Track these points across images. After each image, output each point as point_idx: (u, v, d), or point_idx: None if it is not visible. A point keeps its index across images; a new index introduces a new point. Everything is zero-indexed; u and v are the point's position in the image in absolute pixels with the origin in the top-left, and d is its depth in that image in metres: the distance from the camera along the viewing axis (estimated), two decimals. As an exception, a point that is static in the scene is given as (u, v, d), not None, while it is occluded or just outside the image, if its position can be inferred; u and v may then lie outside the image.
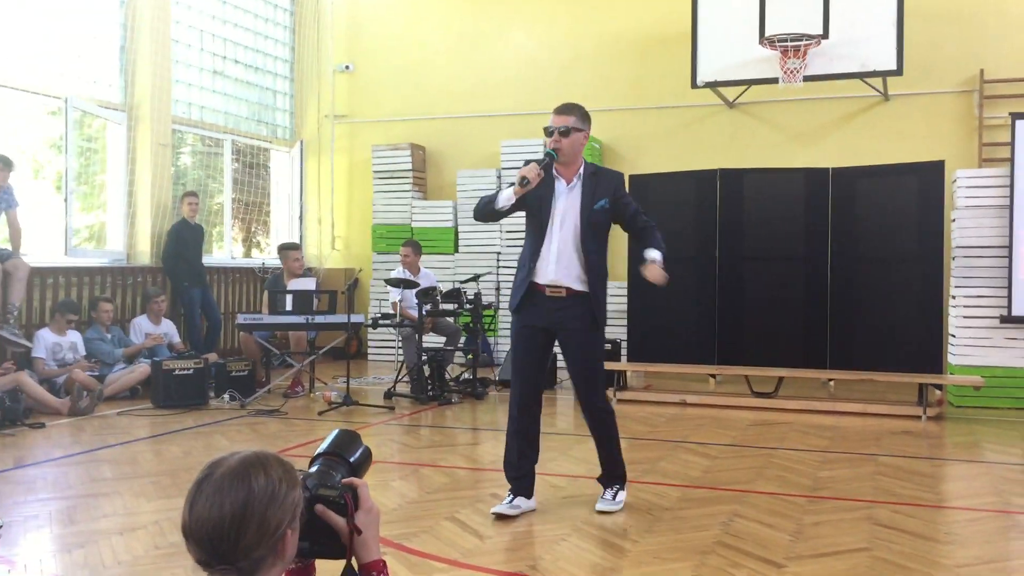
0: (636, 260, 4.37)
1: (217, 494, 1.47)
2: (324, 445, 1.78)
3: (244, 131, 11.46)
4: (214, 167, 11.32)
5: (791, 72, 8.79)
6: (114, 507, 4.39)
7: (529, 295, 4.28)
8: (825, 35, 8.79)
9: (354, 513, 1.66)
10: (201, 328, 9.38)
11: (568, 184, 4.29)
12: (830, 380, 8.36)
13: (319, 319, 7.74)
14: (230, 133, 11.20)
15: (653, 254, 4.21)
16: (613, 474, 4.45)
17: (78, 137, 8.94)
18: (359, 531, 1.65)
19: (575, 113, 4.24)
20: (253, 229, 12.12)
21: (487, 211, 4.28)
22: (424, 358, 7.95)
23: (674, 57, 10.13)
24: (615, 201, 4.30)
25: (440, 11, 11.86)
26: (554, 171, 4.25)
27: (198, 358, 7.75)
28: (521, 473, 4.34)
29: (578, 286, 4.22)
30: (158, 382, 7.44)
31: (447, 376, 8.16)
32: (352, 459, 1.77)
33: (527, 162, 4.17)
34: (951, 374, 7.88)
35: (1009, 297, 7.71)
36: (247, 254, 11.92)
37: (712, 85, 9.51)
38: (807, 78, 8.86)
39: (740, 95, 10.16)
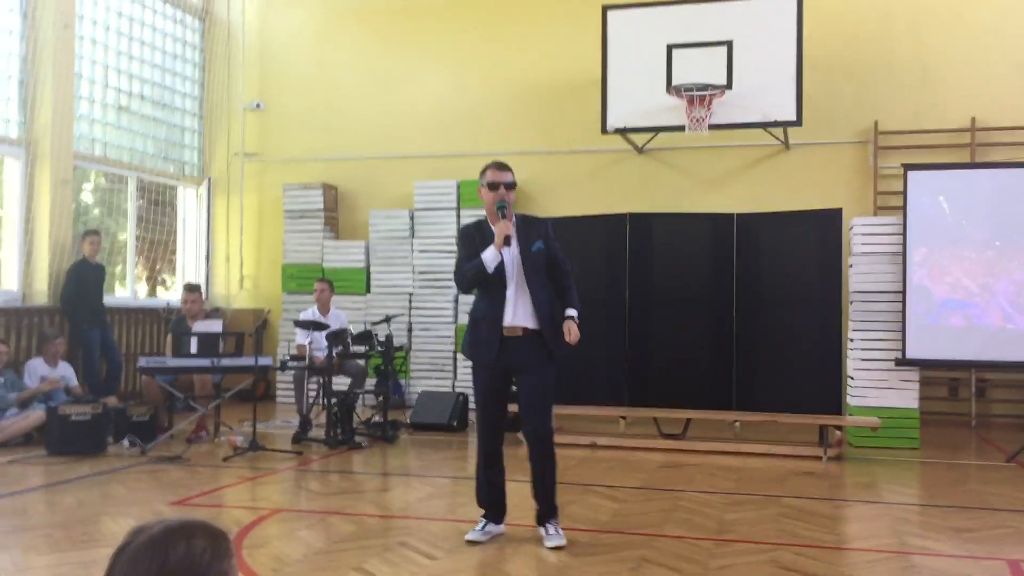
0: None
1: (132, 564, 1.40)
2: None
3: (150, 168, 11.22)
4: (117, 204, 11.03)
5: (697, 120, 9.05)
6: (2, 563, 4.18)
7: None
8: (729, 86, 9.10)
9: None
10: (101, 371, 9.07)
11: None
12: (736, 422, 8.53)
13: (225, 362, 7.56)
14: (135, 170, 10.95)
15: (572, 312, 4.62)
16: (551, 508, 4.64)
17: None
18: None
19: (511, 170, 4.68)
20: (158, 268, 11.82)
21: (478, 279, 4.57)
22: (333, 401, 7.84)
23: (584, 103, 10.34)
24: (549, 246, 4.67)
25: (352, 51, 11.87)
26: (491, 226, 4.60)
27: (96, 403, 7.48)
28: (494, 500, 4.70)
29: (531, 324, 4.57)
30: (53, 428, 7.15)
31: (356, 419, 8.05)
32: None
33: (463, 230, 4.69)
34: (850, 415, 8.13)
35: (903, 340, 8.02)
36: (151, 293, 11.62)
37: (621, 131, 9.72)
38: (712, 126, 9.14)
39: (648, 141, 10.41)
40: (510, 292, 4.56)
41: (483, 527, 4.64)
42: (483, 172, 4.68)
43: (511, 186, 4.62)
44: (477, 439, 4.74)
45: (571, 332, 4.57)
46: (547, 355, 4.60)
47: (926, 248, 8.06)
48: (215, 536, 1.47)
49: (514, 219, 4.64)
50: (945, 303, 8.02)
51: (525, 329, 4.56)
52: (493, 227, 4.59)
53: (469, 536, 4.59)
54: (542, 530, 4.60)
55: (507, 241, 4.50)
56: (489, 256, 4.52)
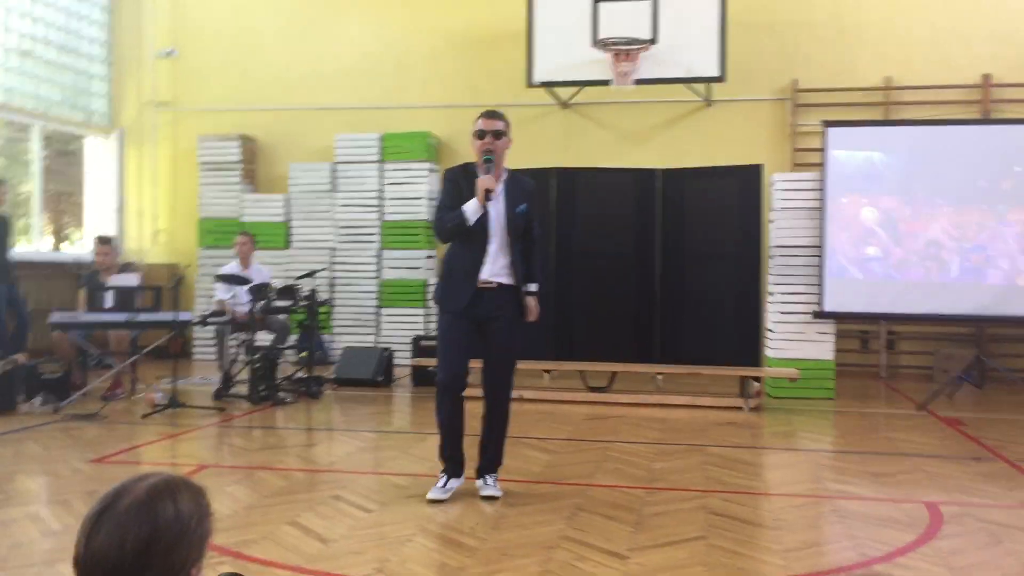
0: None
1: (118, 529, 1.32)
2: None
3: (55, 116, 10.73)
4: (19, 154, 10.53)
5: (622, 75, 9.06)
6: (-88, 525, 3.99)
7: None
8: (654, 40, 9.11)
9: None
10: (7, 327, 8.69)
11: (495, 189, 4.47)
12: (659, 374, 8.66)
13: (143, 317, 7.32)
14: (39, 118, 10.46)
15: (534, 287, 4.63)
16: (495, 462, 4.65)
17: None
18: None
19: (503, 118, 4.53)
20: (64, 221, 11.36)
21: (459, 230, 4.41)
22: (255, 356, 7.68)
23: (509, 56, 10.24)
24: (530, 209, 4.58)
25: (270, -2, 11.50)
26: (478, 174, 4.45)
27: (5, 359, 7.18)
28: (456, 454, 4.58)
29: (506, 280, 4.52)
30: (-41, 386, 6.84)
31: (278, 375, 7.92)
32: None
33: (449, 174, 4.53)
34: (769, 367, 8.33)
35: (820, 294, 8.23)
36: (56, 247, 11.17)
37: (547, 85, 9.66)
38: (637, 81, 9.15)
39: (573, 96, 10.38)
40: (492, 247, 4.45)
41: (444, 483, 4.51)
42: (476, 120, 4.51)
43: (499, 135, 4.44)
44: (439, 391, 4.53)
45: (532, 311, 4.58)
46: (518, 311, 4.55)
47: (843, 203, 8.26)
48: (197, 494, 1.43)
49: (504, 174, 4.51)
50: (861, 257, 8.25)
51: (500, 284, 4.49)
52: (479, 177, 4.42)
53: (431, 495, 4.44)
54: (480, 481, 4.59)
55: (489, 195, 4.34)
56: (471, 210, 4.36)
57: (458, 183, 4.49)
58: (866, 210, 8.24)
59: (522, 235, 4.60)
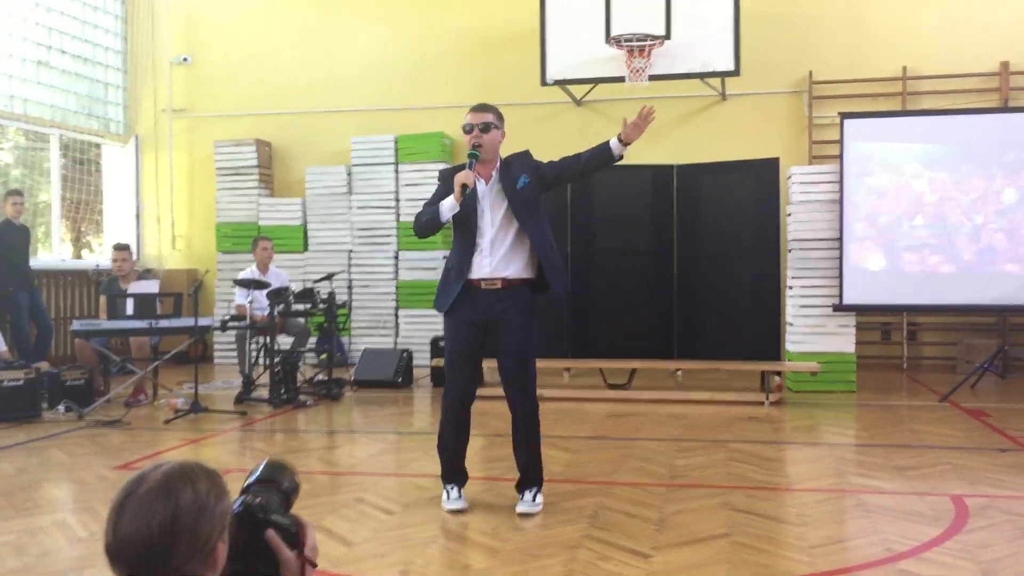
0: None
1: (143, 512, 1.42)
2: (255, 475, 1.68)
3: (73, 125, 10.81)
4: (38, 163, 10.62)
5: (637, 71, 9.03)
6: (-59, 534, 4.03)
7: (463, 293, 4.27)
8: (668, 36, 9.07)
9: (304, 545, 1.58)
10: (30, 336, 8.78)
11: (488, 183, 4.30)
12: (677, 370, 8.64)
13: (164, 323, 7.37)
14: (57, 127, 10.53)
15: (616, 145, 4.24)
16: (534, 476, 4.37)
17: None
18: (313, 564, 1.58)
19: (492, 111, 4.31)
20: (83, 229, 11.45)
21: (432, 226, 4.26)
22: (276, 360, 7.72)
23: (522, 55, 10.24)
24: (537, 173, 4.30)
25: (281, 2, 11.53)
26: (475, 172, 4.24)
27: (28, 368, 7.24)
28: (460, 468, 4.42)
29: (514, 275, 4.25)
30: (-16, 395, 6.90)
31: (300, 378, 7.95)
32: (284, 485, 1.69)
33: (443, 172, 4.40)
34: (789, 361, 8.29)
35: (840, 287, 8.18)
36: (76, 255, 11.25)
37: (561, 83, 9.64)
38: (652, 77, 9.12)
39: (587, 93, 10.36)
40: (484, 241, 4.21)
41: (456, 494, 4.37)
42: (465, 115, 4.34)
43: (487, 127, 4.23)
44: (444, 412, 4.37)
45: (641, 115, 4.22)
46: (529, 309, 4.27)
47: (861, 196, 8.21)
48: (212, 475, 1.52)
49: (497, 164, 4.32)
50: (881, 249, 8.20)
51: (506, 281, 4.23)
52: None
53: (449, 506, 4.31)
54: (520, 495, 4.35)
55: (464, 191, 4.05)
56: (446, 206, 4.16)
57: (448, 182, 4.28)
58: (885, 202, 8.18)
59: (565, 177, 4.35)
